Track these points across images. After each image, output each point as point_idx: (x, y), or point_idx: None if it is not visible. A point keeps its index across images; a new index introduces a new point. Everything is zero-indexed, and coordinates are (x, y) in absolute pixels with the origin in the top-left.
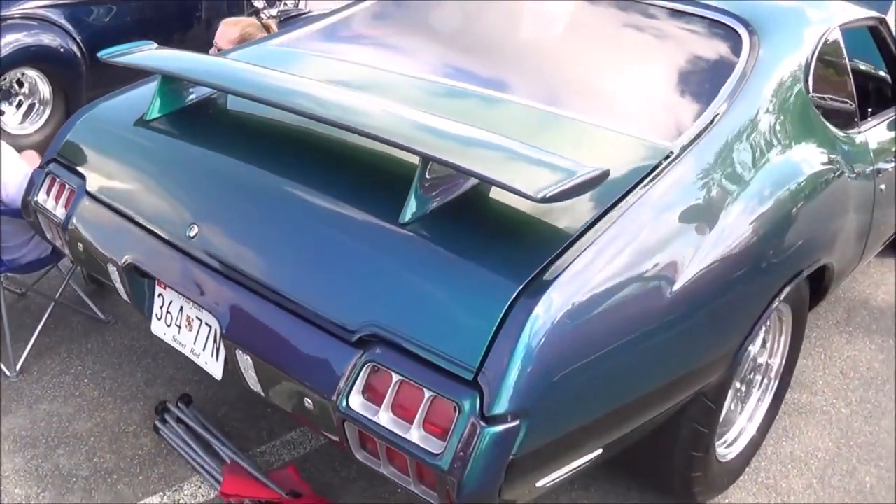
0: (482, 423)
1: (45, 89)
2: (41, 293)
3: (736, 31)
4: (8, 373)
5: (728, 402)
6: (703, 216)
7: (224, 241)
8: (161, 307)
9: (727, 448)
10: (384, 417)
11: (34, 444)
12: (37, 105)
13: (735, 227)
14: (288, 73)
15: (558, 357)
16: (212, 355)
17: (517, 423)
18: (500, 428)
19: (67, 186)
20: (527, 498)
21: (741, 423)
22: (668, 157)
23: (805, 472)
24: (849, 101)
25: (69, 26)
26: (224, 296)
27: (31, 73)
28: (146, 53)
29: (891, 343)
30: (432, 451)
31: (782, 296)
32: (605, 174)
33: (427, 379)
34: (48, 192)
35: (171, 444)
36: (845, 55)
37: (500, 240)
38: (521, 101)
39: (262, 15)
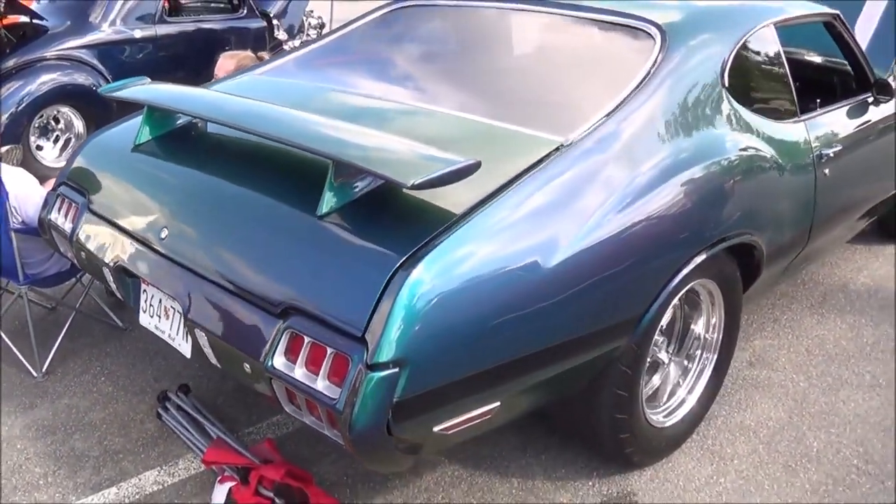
0: (367, 371)
1: (79, 125)
2: (68, 306)
3: (648, 34)
4: (35, 374)
5: (673, 374)
6: (589, 198)
7: (185, 238)
8: (146, 301)
9: (666, 416)
10: (299, 372)
11: (54, 431)
12: (73, 140)
13: (624, 208)
14: (246, 97)
15: (435, 316)
16: (183, 338)
17: (397, 370)
18: (381, 374)
19: (73, 205)
20: (432, 445)
21: (681, 394)
22: (557, 148)
23: (752, 438)
24: (782, 93)
25: (101, 66)
26: (186, 284)
27: (66, 110)
28: (136, 88)
29: (862, 321)
30: (332, 396)
31: (687, 269)
32: (476, 165)
33: (329, 339)
34: (59, 211)
35: (170, 426)
36: (780, 50)
37: (394, 225)
38: (438, 108)
39: (285, 47)
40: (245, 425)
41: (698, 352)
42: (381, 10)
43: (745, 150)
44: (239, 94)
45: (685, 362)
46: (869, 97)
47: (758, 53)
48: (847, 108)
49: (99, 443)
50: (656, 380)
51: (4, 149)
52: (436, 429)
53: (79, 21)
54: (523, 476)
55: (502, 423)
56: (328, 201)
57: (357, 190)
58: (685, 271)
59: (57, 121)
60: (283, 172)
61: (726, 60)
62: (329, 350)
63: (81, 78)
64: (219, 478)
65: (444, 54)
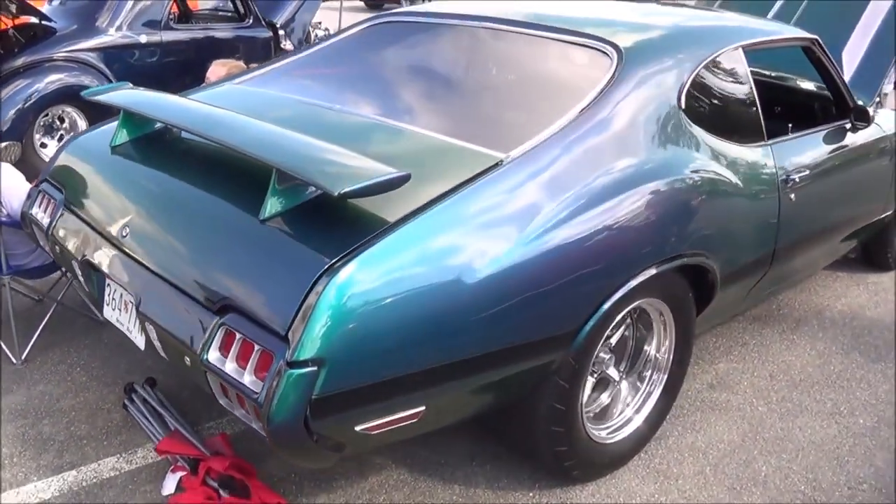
0: (286, 367)
1: (82, 125)
2: (54, 299)
3: (605, 54)
4: (14, 360)
5: (624, 392)
6: (523, 213)
7: (143, 236)
8: (109, 295)
9: (610, 433)
10: (230, 367)
11: (25, 415)
12: None
13: (559, 225)
14: (214, 105)
15: (357, 319)
16: (138, 331)
17: (316, 368)
18: (300, 371)
19: (52, 201)
20: (355, 444)
21: (628, 412)
22: (496, 164)
23: (701, 460)
24: (747, 116)
25: (106, 69)
26: (139, 279)
27: (70, 110)
28: (114, 92)
29: (833, 349)
30: (256, 390)
31: (628, 287)
32: (406, 177)
33: (257, 336)
34: (39, 206)
35: (135, 417)
36: (748, 73)
37: (329, 231)
38: (392, 121)
39: None
40: (206, 420)
41: (649, 372)
42: (359, 26)
43: (696, 171)
44: (211, 102)
45: (637, 382)
46: (846, 124)
47: (721, 76)
48: (822, 133)
49: (66, 428)
50: (605, 397)
51: (3, 145)
52: (358, 428)
53: (86, 24)
54: (466, 483)
55: (433, 428)
56: (271, 206)
57: (299, 196)
58: (626, 289)
59: (62, 120)
60: (238, 177)
61: (685, 83)
62: (256, 347)
63: (87, 80)
64: (171, 467)
65: (409, 69)
